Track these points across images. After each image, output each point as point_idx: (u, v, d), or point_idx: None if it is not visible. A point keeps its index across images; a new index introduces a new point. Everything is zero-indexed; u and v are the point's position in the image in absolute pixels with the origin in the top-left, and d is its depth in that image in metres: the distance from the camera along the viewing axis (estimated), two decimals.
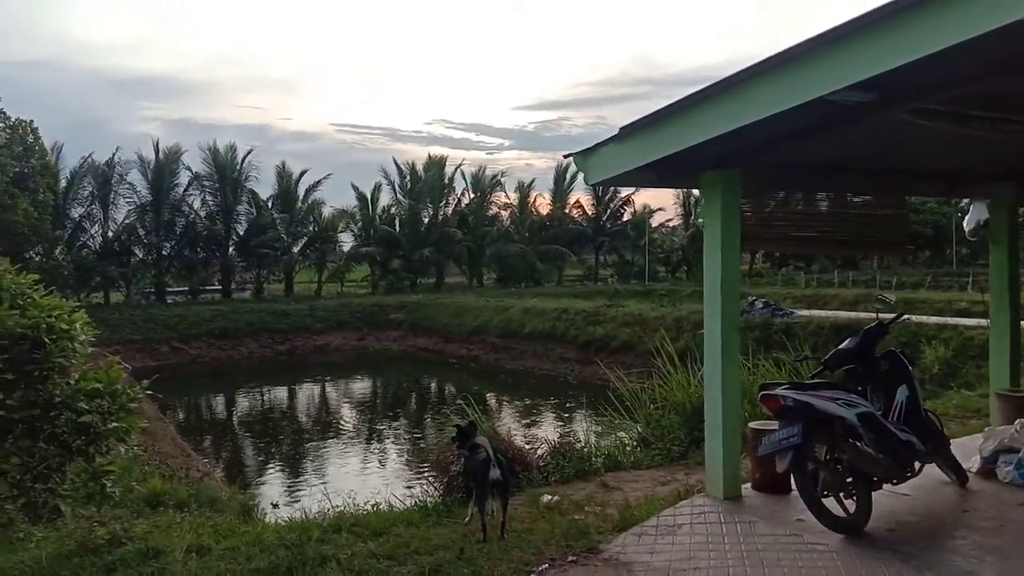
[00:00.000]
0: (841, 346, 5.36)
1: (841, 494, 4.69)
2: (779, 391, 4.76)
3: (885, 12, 3.25)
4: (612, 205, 63.03)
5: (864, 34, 3.40)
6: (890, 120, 4.29)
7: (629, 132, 4.79)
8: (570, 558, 4.54)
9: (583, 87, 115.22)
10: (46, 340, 6.48)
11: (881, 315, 5.64)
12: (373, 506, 6.08)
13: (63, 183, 42.53)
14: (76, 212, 43.95)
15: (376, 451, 20.04)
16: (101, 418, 6.73)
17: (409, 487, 9.75)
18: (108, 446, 7.05)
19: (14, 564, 4.69)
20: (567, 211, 62.89)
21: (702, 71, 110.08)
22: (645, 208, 64.35)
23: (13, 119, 36.48)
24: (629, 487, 6.36)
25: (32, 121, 37.18)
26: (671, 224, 66.34)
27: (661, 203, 61.69)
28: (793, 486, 5.17)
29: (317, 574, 4.35)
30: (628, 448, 7.74)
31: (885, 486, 4.89)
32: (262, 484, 16.27)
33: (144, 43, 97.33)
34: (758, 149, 4.80)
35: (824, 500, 4.71)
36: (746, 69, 3.95)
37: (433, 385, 33.74)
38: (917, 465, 5.01)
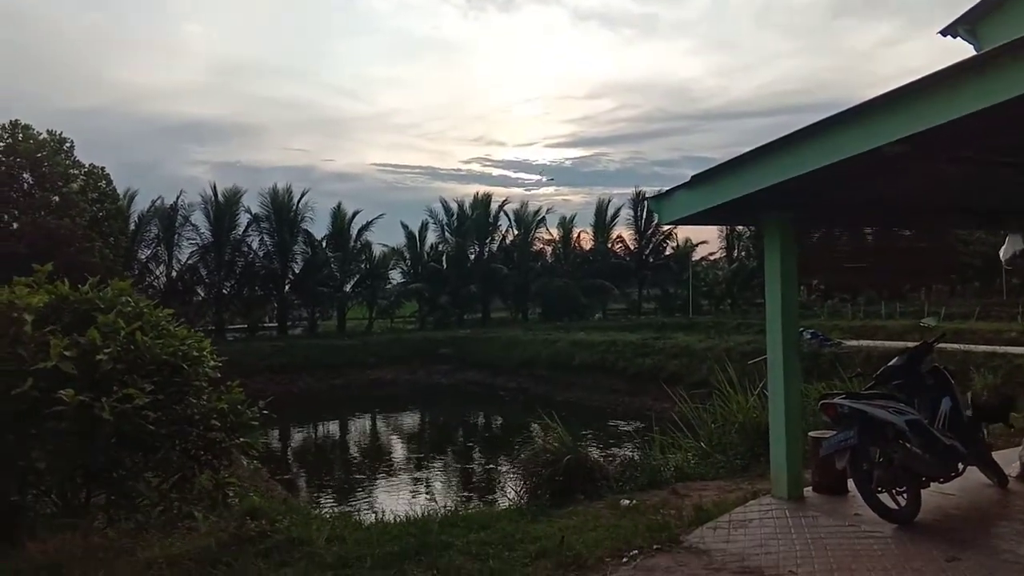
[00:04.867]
0: (891, 363, 6.07)
1: (893, 490, 5.36)
2: (836, 400, 5.48)
3: (923, 83, 4.02)
4: (654, 239, 63.32)
5: (906, 100, 4.16)
6: (930, 167, 5.04)
7: (699, 180, 5.61)
8: (655, 546, 5.27)
9: (620, 123, 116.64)
10: (184, 366, 7.49)
11: (926, 336, 6.34)
12: (475, 508, 6.89)
13: (132, 226, 44.69)
14: (143, 254, 46.17)
15: (424, 480, 20.67)
16: (227, 435, 7.71)
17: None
18: (231, 460, 8.01)
19: (184, 551, 5.57)
20: (609, 246, 63.54)
21: (734, 105, 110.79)
22: (688, 242, 64.46)
23: (87, 165, 38.62)
24: (698, 494, 7.04)
25: (104, 168, 39.36)
26: (714, 257, 66.50)
27: (704, 237, 61.46)
28: (850, 488, 5.86)
29: (441, 555, 5.15)
30: (693, 462, 8.42)
31: (932, 485, 5.56)
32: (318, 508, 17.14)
33: (193, 89, 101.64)
34: (813, 193, 5.57)
35: (878, 495, 5.39)
36: (801, 129, 4.74)
37: (485, 417, 34.43)
38: (960, 467, 5.66)
